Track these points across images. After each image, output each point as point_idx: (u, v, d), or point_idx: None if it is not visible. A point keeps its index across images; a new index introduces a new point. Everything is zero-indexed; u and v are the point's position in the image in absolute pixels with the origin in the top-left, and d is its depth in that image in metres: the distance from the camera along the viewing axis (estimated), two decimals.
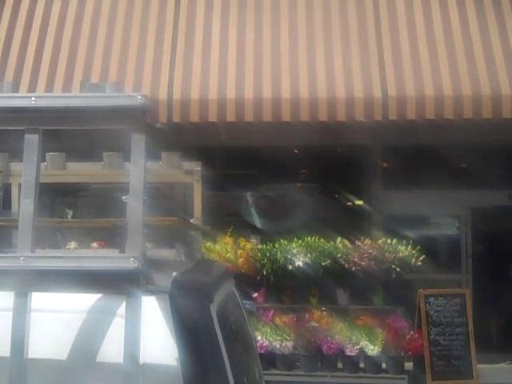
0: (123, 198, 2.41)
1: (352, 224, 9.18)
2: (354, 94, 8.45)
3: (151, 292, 2.48)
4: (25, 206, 2.39)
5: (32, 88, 8.48)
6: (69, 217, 8.68)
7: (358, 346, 7.91)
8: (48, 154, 4.16)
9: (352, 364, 7.96)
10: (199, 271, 3.13)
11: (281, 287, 8.53)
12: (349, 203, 10.15)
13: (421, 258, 8.34)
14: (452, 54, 8.61)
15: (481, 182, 9.24)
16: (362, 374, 7.95)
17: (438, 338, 8.06)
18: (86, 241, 5.67)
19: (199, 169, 4.11)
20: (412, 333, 8.11)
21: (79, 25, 9.09)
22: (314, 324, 8.11)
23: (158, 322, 2.45)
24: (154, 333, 2.43)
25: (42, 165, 4.34)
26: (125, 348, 2.27)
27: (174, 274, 2.66)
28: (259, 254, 8.51)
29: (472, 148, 9.06)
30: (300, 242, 8.50)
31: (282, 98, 8.42)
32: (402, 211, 9.39)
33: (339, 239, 8.51)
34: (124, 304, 2.36)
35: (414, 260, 8.33)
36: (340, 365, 8.02)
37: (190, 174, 4.14)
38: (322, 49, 8.78)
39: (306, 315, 8.24)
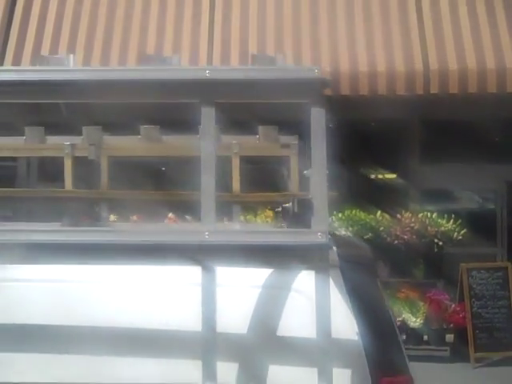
0: (305, 172, 2.38)
1: (389, 198, 9.16)
2: (395, 67, 8.40)
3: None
4: (205, 180, 2.35)
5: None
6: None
7: (400, 318, 7.94)
8: (143, 127, 4.15)
9: None
10: (353, 247, 3.13)
11: None
12: (386, 177, 10.11)
13: (462, 231, 8.36)
14: (495, 27, 8.55)
15: None
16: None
17: (480, 310, 8.11)
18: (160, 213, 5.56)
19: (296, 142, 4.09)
20: (454, 306, 8.16)
21: None
22: None
23: (336, 296, 2.45)
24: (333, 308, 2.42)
25: (136, 138, 4.33)
26: (317, 322, 2.26)
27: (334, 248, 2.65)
28: None
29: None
30: (340, 215, 8.48)
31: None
32: (438, 185, 9.37)
33: (379, 213, 8.50)
34: (301, 279, 2.35)
35: (455, 234, 8.36)
36: None
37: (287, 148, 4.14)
38: (362, 22, 8.71)
39: None
